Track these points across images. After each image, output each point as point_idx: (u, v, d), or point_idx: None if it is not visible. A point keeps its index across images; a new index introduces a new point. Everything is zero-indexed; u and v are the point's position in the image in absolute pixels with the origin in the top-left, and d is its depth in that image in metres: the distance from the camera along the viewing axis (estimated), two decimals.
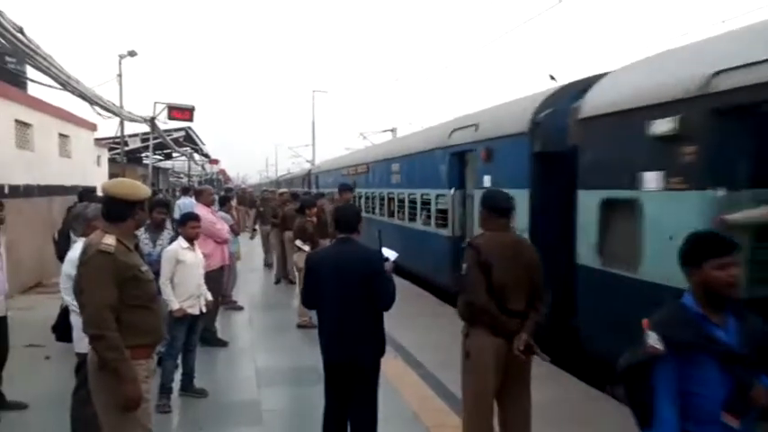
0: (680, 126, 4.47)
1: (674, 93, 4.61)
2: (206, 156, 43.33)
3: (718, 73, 4.21)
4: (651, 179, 4.86)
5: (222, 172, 66.74)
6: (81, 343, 3.93)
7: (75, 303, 3.80)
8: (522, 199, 6.63)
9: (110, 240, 2.95)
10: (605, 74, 6.10)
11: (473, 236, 5.48)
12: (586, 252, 5.79)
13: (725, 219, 3.87)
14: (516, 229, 5.04)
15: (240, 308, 9.32)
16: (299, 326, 7.92)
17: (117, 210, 3.06)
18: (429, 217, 10.45)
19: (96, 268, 2.90)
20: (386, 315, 3.87)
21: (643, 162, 4.95)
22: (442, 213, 9.72)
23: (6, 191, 9.94)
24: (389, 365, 6.24)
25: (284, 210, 11.23)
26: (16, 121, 11.30)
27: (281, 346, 7.34)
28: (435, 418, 4.92)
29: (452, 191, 9.27)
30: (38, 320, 8.17)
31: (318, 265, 3.79)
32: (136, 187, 3.19)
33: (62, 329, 4.24)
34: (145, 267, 3.18)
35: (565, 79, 7.22)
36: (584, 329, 5.91)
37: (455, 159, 9.32)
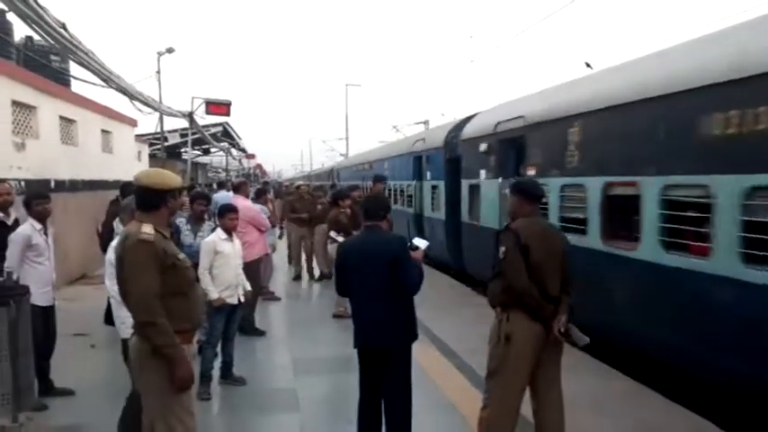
0: (487, 147, 9.33)
1: (487, 130, 9.52)
2: (243, 150, 43.94)
3: (498, 123, 8.98)
4: (482, 174, 9.63)
5: (259, 166, 67.60)
6: (120, 329, 4.04)
7: (115, 289, 3.90)
8: (441, 185, 12.03)
9: (148, 229, 3.00)
10: (476, 114, 11.08)
11: (420, 211, 10.53)
12: (464, 213, 10.72)
13: None
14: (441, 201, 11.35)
15: (278, 298, 9.44)
16: (335, 316, 7.97)
17: (149, 199, 3.11)
18: (403, 200, 15.07)
19: (138, 257, 2.94)
20: (418, 305, 3.91)
21: (479, 165, 9.74)
22: (410, 197, 14.38)
23: (52, 185, 10.27)
24: (425, 355, 6.25)
25: (312, 205, 11.18)
26: (61, 117, 11.64)
27: (317, 335, 7.41)
28: (473, 407, 4.84)
29: (414, 182, 14.02)
30: (83, 311, 8.45)
31: (347, 253, 3.91)
32: (166, 176, 3.23)
33: (110, 314, 4.37)
34: (182, 255, 3.24)
35: (601, 65, 8.41)
36: (470, 266, 10.68)
37: (415, 161, 13.94)
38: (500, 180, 8.75)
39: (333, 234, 8.29)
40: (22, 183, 9.05)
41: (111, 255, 3.97)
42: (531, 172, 7.73)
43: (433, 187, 12.48)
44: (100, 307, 8.48)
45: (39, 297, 5.02)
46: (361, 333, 3.84)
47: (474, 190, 10.05)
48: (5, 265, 4.91)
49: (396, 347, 3.77)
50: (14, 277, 4.86)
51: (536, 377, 3.61)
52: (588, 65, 10.39)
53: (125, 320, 3.83)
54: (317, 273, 11.15)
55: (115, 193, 9.16)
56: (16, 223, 5.38)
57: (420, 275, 3.77)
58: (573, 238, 5.48)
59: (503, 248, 3.55)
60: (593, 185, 6.24)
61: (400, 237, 3.89)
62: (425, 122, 31.78)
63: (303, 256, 11.32)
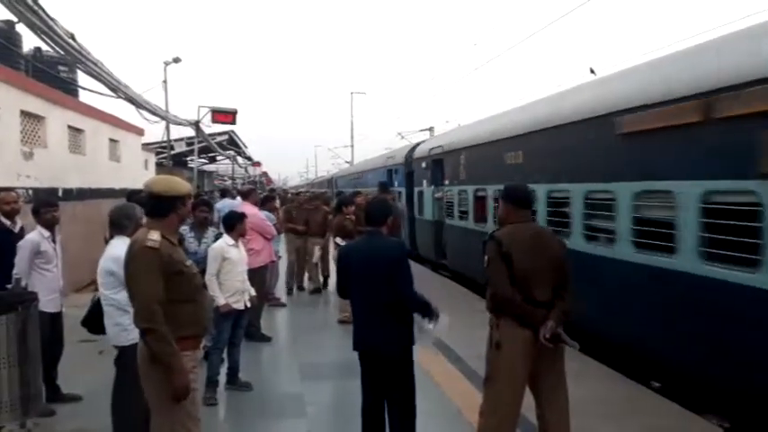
0: (425, 165, 14.00)
1: (425, 153, 14.21)
2: (248, 158, 44.13)
3: (431, 149, 13.66)
4: (424, 183, 14.33)
5: (264, 174, 67.84)
6: (118, 337, 4.05)
7: (113, 298, 3.94)
8: (403, 191, 16.34)
9: (155, 236, 3.01)
10: (424, 140, 17.07)
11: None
12: (416, 211, 15.19)
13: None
14: (403, 204, 15.11)
15: (283, 305, 9.47)
16: (340, 321, 7.98)
17: (158, 206, 3.14)
18: None
19: (143, 263, 2.97)
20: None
21: (422, 177, 14.48)
22: None
23: (60, 194, 10.35)
24: (431, 361, 6.25)
25: (309, 212, 10.65)
26: (69, 126, 11.76)
27: (323, 341, 7.42)
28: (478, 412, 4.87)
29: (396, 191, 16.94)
30: None
31: (348, 256, 4.00)
32: (174, 182, 3.24)
33: (91, 322, 4.34)
34: (189, 262, 3.26)
35: (605, 71, 8.44)
36: (421, 249, 14.97)
37: (387, 173, 18.63)
38: (433, 187, 13.57)
39: (338, 240, 8.33)
40: (30, 191, 9.13)
41: (108, 264, 4.00)
42: (446, 182, 12.42)
43: (399, 192, 16.48)
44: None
45: (47, 304, 5.06)
46: (360, 335, 3.90)
47: (420, 194, 14.83)
48: (14, 272, 4.97)
49: (392, 351, 3.79)
50: (23, 284, 4.92)
51: (537, 383, 3.57)
52: (592, 71, 10.41)
53: (127, 327, 3.85)
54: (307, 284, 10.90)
55: (123, 201, 9.25)
56: (22, 231, 5.43)
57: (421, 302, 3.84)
58: (466, 223, 11.08)
59: (486, 257, 3.57)
60: (470, 190, 10.85)
61: (400, 242, 3.94)
62: (430, 129, 31.78)
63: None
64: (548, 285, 3.53)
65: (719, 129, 4.70)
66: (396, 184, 17.15)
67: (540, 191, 7.69)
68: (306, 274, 10.93)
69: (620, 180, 6.04)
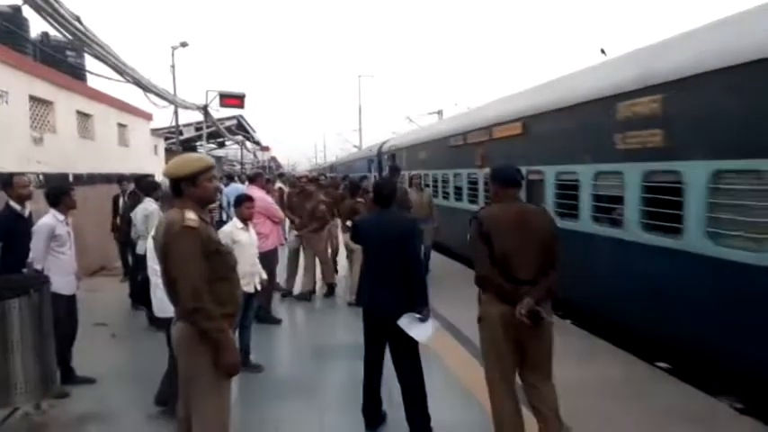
0: (387, 157, 20.35)
1: (389, 148, 20.69)
2: (257, 143, 44.11)
3: (392, 145, 20.31)
4: (387, 169, 16.38)
5: (273, 159, 67.83)
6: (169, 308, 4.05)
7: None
8: (376, 176, 20.35)
9: (193, 216, 2.99)
10: (389, 139, 23.73)
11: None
12: None
13: None
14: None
15: (289, 291, 8.95)
16: (350, 304, 8.00)
17: (178, 186, 3.10)
18: None
19: (185, 244, 2.93)
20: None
21: (385, 165, 19.79)
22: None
23: (71, 179, 10.40)
24: (440, 342, 6.26)
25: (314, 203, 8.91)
26: (77, 111, 11.77)
27: (334, 323, 7.46)
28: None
29: (368, 173, 21.63)
30: (103, 301, 8.60)
31: (362, 227, 4.41)
32: (187, 161, 3.17)
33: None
34: (223, 241, 3.26)
35: (615, 52, 8.27)
36: None
37: (368, 161, 24.32)
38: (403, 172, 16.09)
39: (350, 223, 8.31)
40: (41, 176, 9.18)
41: (150, 241, 3.99)
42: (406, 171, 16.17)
43: (375, 175, 20.28)
44: (119, 298, 8.65)
45: (62, 286, 5.13)
46: (370, 298, 4.24)
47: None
48: (30, 255, 5.02)
49: (399, 314, 4.01)
50: (39, 267, 4.98)
51: (522, 363, 3.65)
52: (603, 51, 10.27)
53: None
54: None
55: (132, 186, 9.29)
56: (30, 217, 5.46)
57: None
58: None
59: (468, 236, 3.72)
60: (407, 174, 15.25)
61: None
62: (439, 112, 31.64)
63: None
64: (531, 264, 3.55)
65: None
66: (372, 170, 23.02)
67: (431, 174, 14.20)
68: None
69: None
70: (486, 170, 9.73)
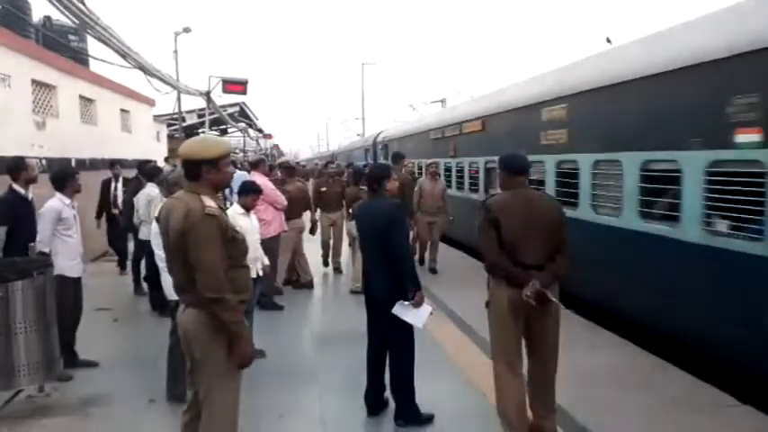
0: (382, 147, 21.98)
1: (382, 139, 22.48)
2: (260, 131, 44.02)
3: (385, 136, 22.20)
4: (382, 158, 20.81)
5: (276, 147, 67.73)
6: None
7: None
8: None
9: (212, 203, 2.90)
10: (383, 130, 24.91)
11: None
12: None
13: None
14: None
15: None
16: (352, 292, 8.01)
17: (192, 169, 2.98)
18: None
19: (206, 231, 2.84)
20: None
21: (381, 154, 21.66)
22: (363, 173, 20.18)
23: (73, 164, 10.39)
24: (444, 331, 6.28)
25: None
26: (80, 96, 11.75)
27: (336, 310, 7.48)
28: (491, 380, 4.90)
29: (364, 161, 21.49)
30: (106, 286, 8.62)
31: (357, 211, 4.56)
32: (209, 143, 3.06)
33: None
34: (238, 226, 3.20)
35: (621, 40, 8.68)
36: None
37: (365, 151, 26.00)
38: (388, 161, 14.33)
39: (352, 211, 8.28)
40: (44, 161, 9.18)
41: (155, 225, 3.96)
42: (388, 158, 15.62)
43: (371, 163, 20.76)
44: (121, 283, 8.68)
45: (69, 269, 5.15)
46: (367, 282, 4.38)
47: None
48: (38, 238, 5.03)
49: (390, 299, 4.05)
50: (46, 250, 4.99)
51: (529, 337, 3.77)
52: (609, 40, 10.24)
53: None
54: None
55: (134, 172, 9.27)
56: (32, 201, 5.46)
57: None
58: None
59: (477, 222, 3.80)
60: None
61: (398, 203, 4.32)
62: (442, 101, 31.47)
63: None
64: (539, 249, 3.65)
65: None
66: (367, 158, 24.47)
67: (416, 162, 13.58)
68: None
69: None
70: (458, 159, 12.41)
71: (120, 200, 9.43)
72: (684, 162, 5.29)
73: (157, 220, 3.20)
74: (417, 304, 4.04)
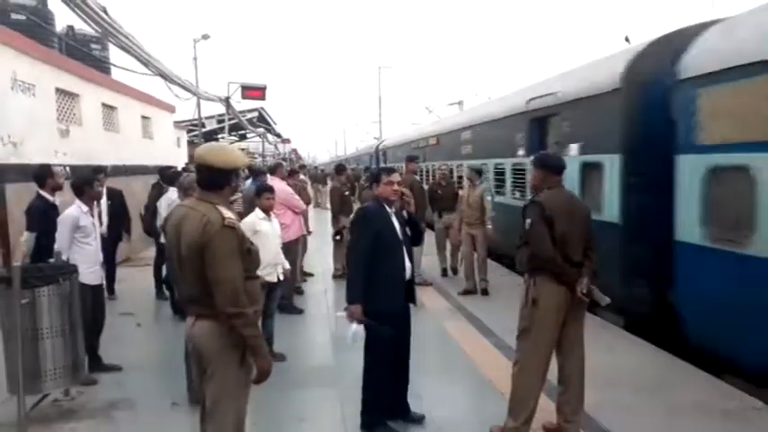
0: (383, 153, 28.35)
1: (383, 146, 29.32)
2: (278, 135, 44.30)
3: (385, 144, 28.30)
4: (386, 162, 26.31)
5: (294, 151, 68.10)
6: None
7: None
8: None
9: (230, 213, 2.84)
10: (385, 139, 32.60)
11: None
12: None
13: None
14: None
15: (311, 274, 9.46)
16: None
17: (212, 178, 2.88)
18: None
19: (226, 244, 2.77)
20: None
21: (387, 159, 26.13)
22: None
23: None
24: (462, 334, 6.26)
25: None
26: (103, 104, 11.93)
27: None
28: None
29: (372, 164, 26.05)
30: (129, 291, 8.72)
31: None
32: (232, 154, 2.98)
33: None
34: (246, 233, 3.15)
35: (640, 39, 8.06)
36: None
37: (370, 157, 32.47)
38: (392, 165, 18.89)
39: None
40: (68, 168, 9.33)
41: None
42: (388, 162, 23.37)
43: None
44: (145, 288, 8.76)
45: (88, 276, 5.19)
46: None
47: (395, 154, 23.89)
48: (56, 246, 5.10)
49: (366, 308, 4.12)
50: (64, 257, 5.05)
51: (562, 335, 3.85)
52: (627, 39, 10.19)
53: None
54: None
55: (156, 177, 9.38)
56: (57, 207, 5.55)
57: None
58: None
59: (528, 220, 3.80)
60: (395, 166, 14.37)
61: (360, 207, 4.49)
62: (459, 103, 31.40)
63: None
64: (580, 246, 3.83)
65: None
66: (371, 163, 28.10)
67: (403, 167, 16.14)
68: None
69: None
70: (432, 163, 15.85)
71: (104, 216, 7.69)
72: (506, 164, 10.42)
73: (162, 228, 3.11)
74: (349, 318, 4.01)
